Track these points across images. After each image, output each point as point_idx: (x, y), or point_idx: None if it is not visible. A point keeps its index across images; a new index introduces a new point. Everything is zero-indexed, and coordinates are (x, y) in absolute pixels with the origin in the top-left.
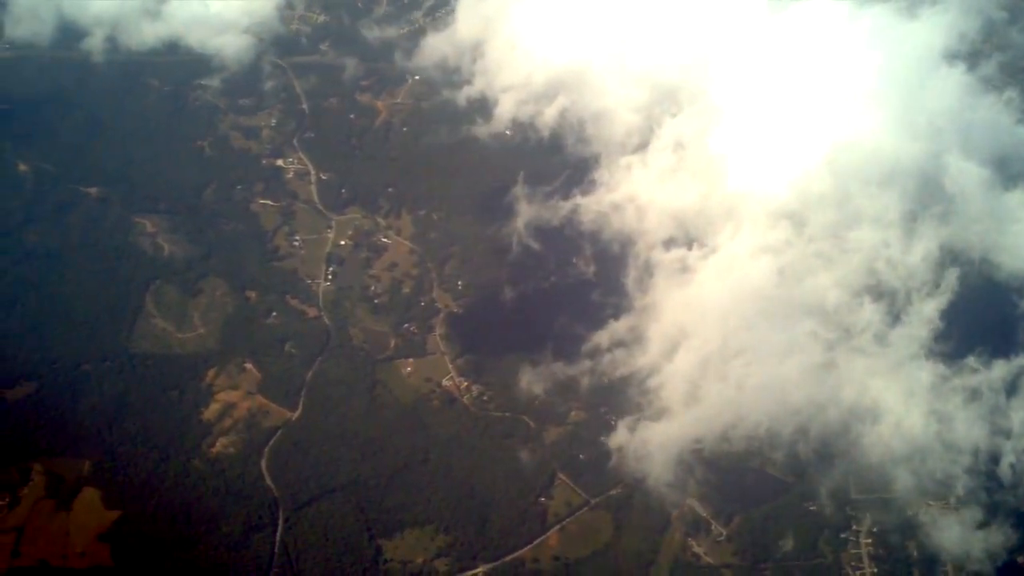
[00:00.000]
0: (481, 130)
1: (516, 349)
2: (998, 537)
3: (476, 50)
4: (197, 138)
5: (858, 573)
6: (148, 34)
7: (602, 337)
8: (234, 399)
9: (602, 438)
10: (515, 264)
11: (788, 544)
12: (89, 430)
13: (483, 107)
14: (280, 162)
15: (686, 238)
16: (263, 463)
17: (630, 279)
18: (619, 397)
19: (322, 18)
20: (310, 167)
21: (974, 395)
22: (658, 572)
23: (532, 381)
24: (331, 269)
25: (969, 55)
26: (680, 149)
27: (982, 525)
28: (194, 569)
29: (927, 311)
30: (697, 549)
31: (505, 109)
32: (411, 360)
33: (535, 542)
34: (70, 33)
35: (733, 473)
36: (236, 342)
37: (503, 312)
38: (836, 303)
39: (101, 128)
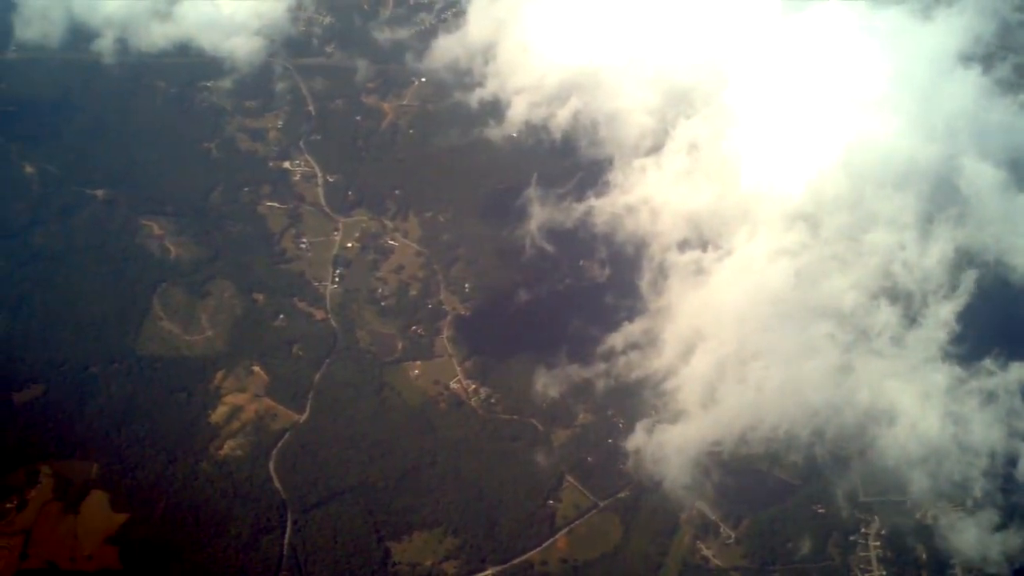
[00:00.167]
0: (493, 132)
1: (525, 351)
2: (1016, 540)
3: (488, 52)
4: (204, 140)
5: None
6: (159, 36)
7: (617, 339)
8: (242, 401)
9: (610, 440)
10: (528, 266)
11: (797, 547)
12: (97, 433)
13: (495, 109)
14: (287, 164)
15: (700, 240)
16: (271, 465)
17: (644, 281)
18: (633, 400)
19: (328, 20)
20: (317, 169)
21: (990, 397)
22: (667, 574)
23: (547, 384)
24: (338, 271)
25: (984, 57)
26: (695, 151)
27: (999, 528)
28: (202, 572)
29: (943, 313)
30: (706, 552)
31: (517, 111)
32: (419, 362)
33: (543, 545)
34: (80, 35)
35: (741, 476)
36: (244, 344)
37: (512, 314)
38: (852, 305)
39: (107, 130)
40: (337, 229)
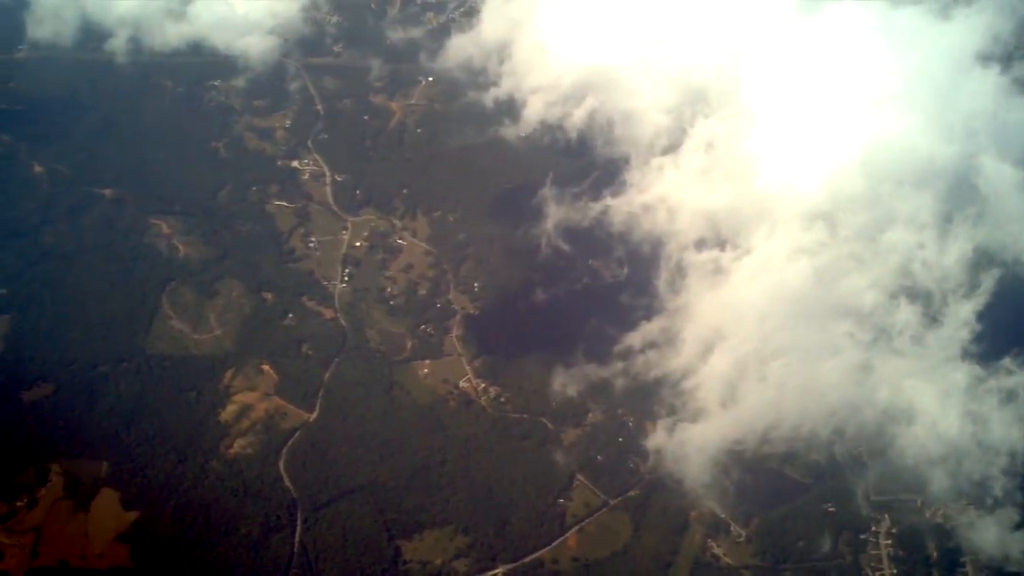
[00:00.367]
0: (508, 131)
1: (535, 350)
2: None
3: (503, 51)
4: (212, 139)
5: (878, 574)
6: (172, 35)
7: (635, 338)
8: (251, 400)
9: (620, 439)
10: (541, 265)
11: (808, 545)
12: (106, 431)
13: (510, 108)
14: (295, 163)
15: (718, 239)
16: (281, 464)
17: (662, 280)
18: (651, 399)
19: (338, 19)
20: (325, 168)
21: (1010, 396)
22: (677, 573)
23: (565, 383)
24: (347, 270)
25: (1003, 56)
26: (712, 150)
27: (1019, 526)
28: (213, 570)
29: (963, 313)
30: (717, 550)
31: (533, 111)
32: (428, 361)
33: (554, 543)
34: (93, 34)
35: (751, 474)
36: (253, 343)
37: (523, 313)
38: (872, 305)
39: (116, 129)
40: (346, 228)
